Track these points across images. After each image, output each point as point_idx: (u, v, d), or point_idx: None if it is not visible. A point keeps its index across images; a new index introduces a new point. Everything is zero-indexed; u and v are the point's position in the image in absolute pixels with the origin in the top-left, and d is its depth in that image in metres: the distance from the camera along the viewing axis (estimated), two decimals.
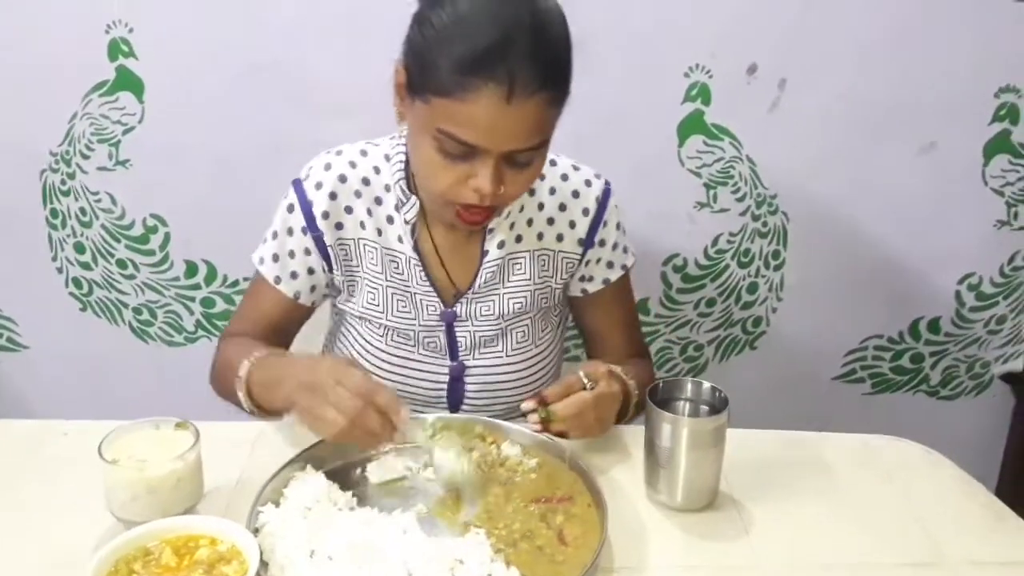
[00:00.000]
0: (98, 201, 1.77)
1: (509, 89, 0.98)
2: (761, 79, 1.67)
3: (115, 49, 1.64)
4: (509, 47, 0.98)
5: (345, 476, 1.06)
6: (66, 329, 1.89)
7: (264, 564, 0.88)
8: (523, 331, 1.27)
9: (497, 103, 0.98)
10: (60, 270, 1.84)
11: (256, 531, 0.93)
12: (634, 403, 1.19)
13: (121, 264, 1.83)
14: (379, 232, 1.23)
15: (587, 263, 1.29)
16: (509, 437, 1.12)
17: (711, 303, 1.88)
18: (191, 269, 1.83)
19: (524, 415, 1.10)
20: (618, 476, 1.11)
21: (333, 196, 1.21)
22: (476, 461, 1.08)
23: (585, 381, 1.10)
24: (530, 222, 1.25)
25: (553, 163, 1.26)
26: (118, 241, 1.81)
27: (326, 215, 1.21)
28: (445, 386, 1.27)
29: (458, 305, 1.24)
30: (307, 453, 1.06)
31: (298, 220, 1.22)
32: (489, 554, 0.92)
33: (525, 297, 1.26)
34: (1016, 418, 1.99)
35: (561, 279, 1.28)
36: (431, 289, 1.23)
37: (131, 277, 1.84)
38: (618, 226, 1.29)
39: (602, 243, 1.28)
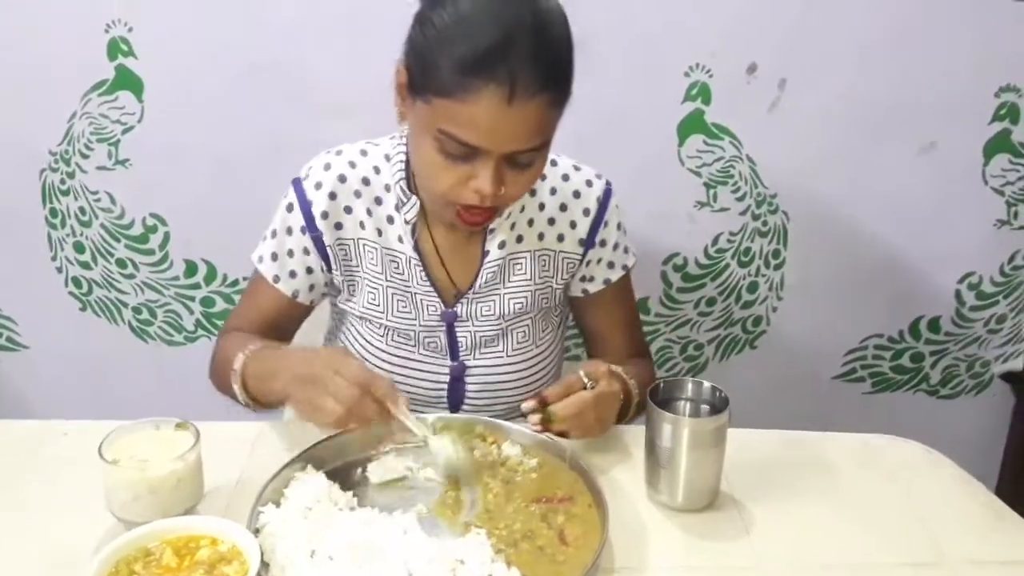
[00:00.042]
0: (97, 200, 1.77)
1: (510, 90, 0.98)
2: (761, 79, 1.67)
3: (114, 48, 1.64)
4: (510, 48, 0.97)
5: (346, 476, 1.06)
6: (66, 329, 1.88)
7: (265, 564, 0.88)
8: (524, 331, 1.27)
9: (498, 104, 0.98)
10: (60, 269, 1.84)
11: (257, 531, 0.93)
12: (635, 403, 1.19)
13: (121, 264, 1.83)
14: (379, 232, 1.23)
15: (588, 263, 1.29)
16: (510, 437, 1.12)
17: (711, 302, 1.88)
18: (191, 268, 1.83)
19: (524, 415, 1.09)
20: (619, 476, 1.11)
21: (332, 196, 1.21)
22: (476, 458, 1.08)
23: (585, 381, 1.10)
24: (531, 222, 1.25)
25: (554, 163, 1.26)
26: (118, 240, 1.81)
27: (325, 215, 1.21)
28: (446, 386, 1.27)
29: (459, 305, 1.24)
30: (307, 453, 1.06)
31: (297, 219, 1.22)
32: (490, 554, 0.92)
33: (526, 297, 1.25)
34: (1016, 417, 1.99)
35: (562, 279, 1.28)
36: (431, 289, 1.23)
37: (131, 277, 1.84)
38: (619, 226, 1.29)
39: (603, 243, 1.28)
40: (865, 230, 1.81)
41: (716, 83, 1.67)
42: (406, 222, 1.21)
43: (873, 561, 0.99)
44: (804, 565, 0.98)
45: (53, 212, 1.79)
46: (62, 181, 1.76)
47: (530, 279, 1.25)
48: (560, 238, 1.26)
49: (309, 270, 1.25)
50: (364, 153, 1.24)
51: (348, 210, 1.22)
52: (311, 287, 1.27)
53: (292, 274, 1.25)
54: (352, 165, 1.22)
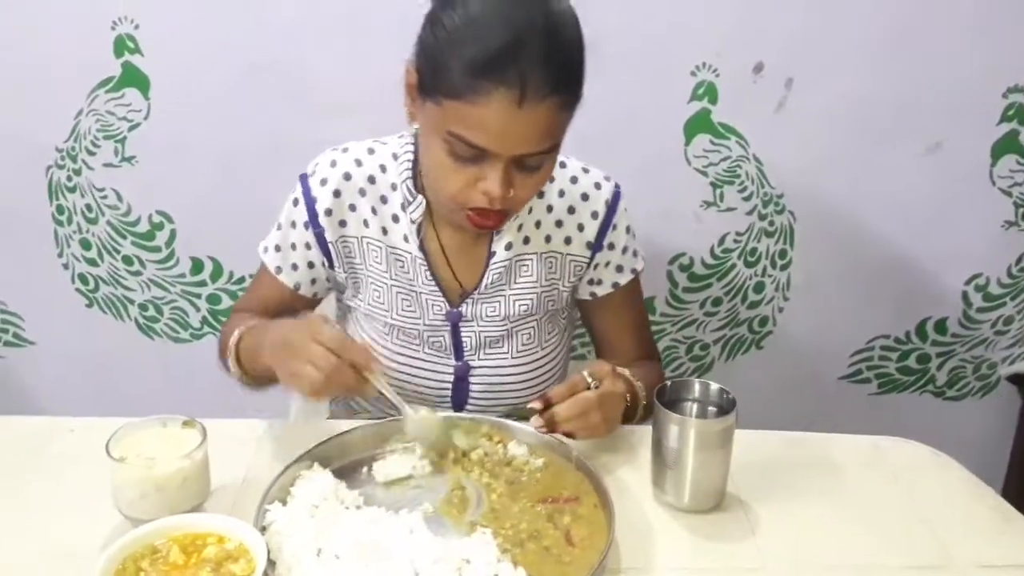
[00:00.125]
0: (104, 197, 1.77)
1: (520, 93, 0.97)
2: (768, 78, 1.66)
3: (121, 46, 1.64)
4: (521, 50, 0.97)
5: (352, 475, 1.06)
6: (72, 325, 1.89)
7: (271, 562, 0.88)
8: (529, 333, 1.27)
9: (508, 107, 0.98)
10: (66, 266, 1.84)
11: (263, 529, 0.93)
12: (642, 405, 1.18)
13: (127, 260, 1.83)
14: (384, 231, 1.23)
15: (596, 266, 1.28)
16: (515, 437, 1.12)
17: (717, 302, 1.88)
18: (197, 265, 1.83)
19: (527, 418, 1.09)
20: (625, 477, 1.11)
21: (337, 193, 1.21)
22: (481, 460, 1.09)
23: (589, 381, 1.10)
24: (538, 224, 1.24)
25: (563, 165, 1.26)
26: (124, 237, 1.81)
27: (329, 212, 1.21)
28: (450, 385, 1.26)
29: (464, 305, 1.24)
30: (314, 451, 1.06)
31: (301, 215, 1.23)
32: (496, 554, 0.92)
33: (531, 299, 1.25)
34: (1022, 419, 1.98)
35: (568, 282, 1.28)
36: (436, 289, 1.23)
37: (137, 273, 1.84)
38: (627, 229, 1.28)
39: (611, 247, 1.27)
40: (872, 230, 1.80)
41: (723, 83, 1.66)
42: (412, 221, 1.21)
43: (879, 563, 0.99)
44: (810, 566, 0.98)
45: (60, 209, 1.79)
46: (68, 178, 1.76)
47: (536, 281, 1.25)
48: (567, 241, 1.26)
49: (311, 265, 1.26)
50: (371, 151, 1.24)
51: (352, 208, 1.22)
52: (313, 281, 1.28)
53: (294, 267, 1.26)
54: (358, 163, 1.22)
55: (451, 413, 1.20)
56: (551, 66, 0.99)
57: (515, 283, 1.25)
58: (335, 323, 1.30)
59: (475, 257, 1.24)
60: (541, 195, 1.23)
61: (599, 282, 1.30)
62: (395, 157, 1.22)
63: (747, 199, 1.77)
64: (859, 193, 1.77)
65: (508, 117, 0.99)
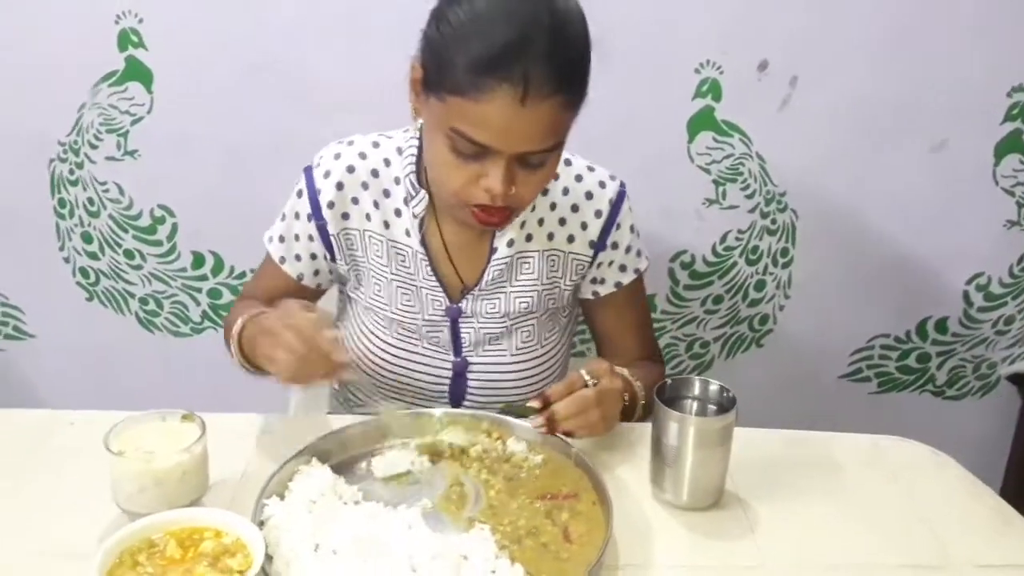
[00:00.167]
0: (106, 191, 1.77)
1: (524, 91, 0.97)
2: (772, 76, 1.66)
3: (125, 39, 1.64)
4: (525, 47, 0.96)
5: (350, 470, 1.06)
6: (72, 319, 1.89)
7: (269, 557, 0.88)
8: (528, 331, 1.27)
9: (511, 104, 0.98)
10: (67, 260, 1.84)
11: (261, 524, 0.93)
12: (640, 404, 1.18)
13: (128, 254, 1.83)
14: (386, 225, 1.22)
15: (598, 265, 1.28)
16: (515, 433, 1.12)
17: (718, 300, 1.87)
18: (198, 260, 1.83)
19: (525, 416, 1.09)
20: (624, 474, 1.10)
21: (340, 186, 1.21)
22: (480, 456, 1.09)
23: (587, 379, 1.10)
24: (541, 221, 1.24)
25: (568, 163, 1.25)
26: (125, 231, 1.81)
27: (331, 204, 1.21)
28: (448, 381, 1.27)
29: (464, 301, 1.24)
30: (313, 446, 1.06)
31: (304, 206, 1.23)
32: (494, 550, 0.92)
33: (532, 297, 1.25)
34: (1022, 419, 1.98)
35: (570, 281, 1.28)
36: (437, 284, 1.23)
37: (138, 267, 1.84)
38: (632, 229, 1.28)
39: (614, 246, 1.27)
40: (874, 229, 1.80)
41: (727, 80, 1.66)
42: (414, 216, 1.21)
43: (877, 562, 0.98)
44: (808, 565, 0.98)
45: (61, 202, 1.79)
46: (71, 171, 1.76)
47: (537, 279, 1.25)
48: (570, 239, 1.25)
49: (313, 256, 1.26)
50: (376, 145, 1.23)
51: (355, 201, 1.22)
52: (316, 272, 1.29)
53: (297, 257, 1.27)
54: (362, 156, 1.22)
55: (451, 409, 1.20)
56: (555, 65, 0.98)
57: (516, 280, 1.24)
58: (331, 313, 1.32)
59: (477, 253, 1.24)
60: (545, 192, 1.23)
61: (602, 281, 1.30)
62: (400, 151, 1.22)
63: (749, 197, 1.77)
64: (861, 192, 1.77)
65: (511, 115, 0.98)
